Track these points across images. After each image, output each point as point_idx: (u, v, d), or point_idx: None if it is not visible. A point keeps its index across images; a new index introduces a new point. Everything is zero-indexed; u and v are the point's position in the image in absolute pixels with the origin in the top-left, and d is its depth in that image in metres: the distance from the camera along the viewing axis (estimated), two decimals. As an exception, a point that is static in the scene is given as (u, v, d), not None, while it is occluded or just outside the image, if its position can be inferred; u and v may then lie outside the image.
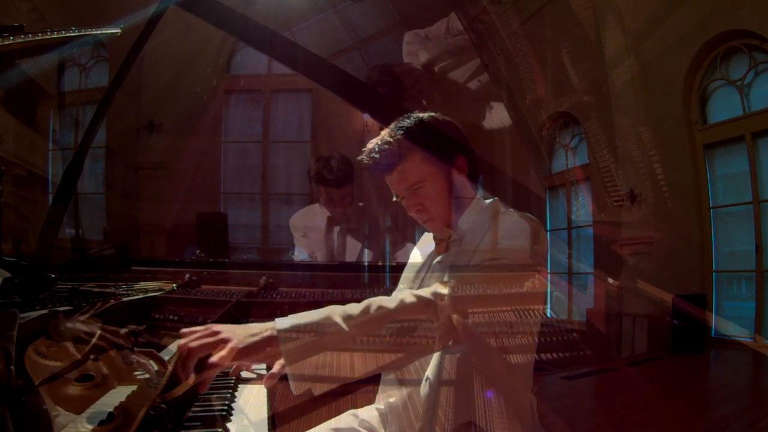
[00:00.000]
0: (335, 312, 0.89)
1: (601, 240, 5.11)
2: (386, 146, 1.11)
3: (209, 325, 0.84)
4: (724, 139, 4.57)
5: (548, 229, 5.50)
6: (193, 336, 0.81)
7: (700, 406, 3.03)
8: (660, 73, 4.76)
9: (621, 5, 4.89)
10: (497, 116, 5.60)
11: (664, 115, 4.78)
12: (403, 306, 0.92)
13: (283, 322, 0.85)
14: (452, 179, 1.12)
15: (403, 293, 0.95)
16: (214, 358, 0.78)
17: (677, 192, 4.73)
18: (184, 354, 0.79)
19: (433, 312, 0.93)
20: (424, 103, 5.58)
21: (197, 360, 0.80)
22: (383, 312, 0.91)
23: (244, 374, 1.14)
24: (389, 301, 0.92)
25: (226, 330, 0.82)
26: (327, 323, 0.87)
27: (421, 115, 1.15)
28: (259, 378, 1.16)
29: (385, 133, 1.13)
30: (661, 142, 4.77)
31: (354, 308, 0.90)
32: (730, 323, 4.37)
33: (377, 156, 1.11)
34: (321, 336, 0.87)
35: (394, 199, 1.16)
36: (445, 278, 1.02)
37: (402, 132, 1.11)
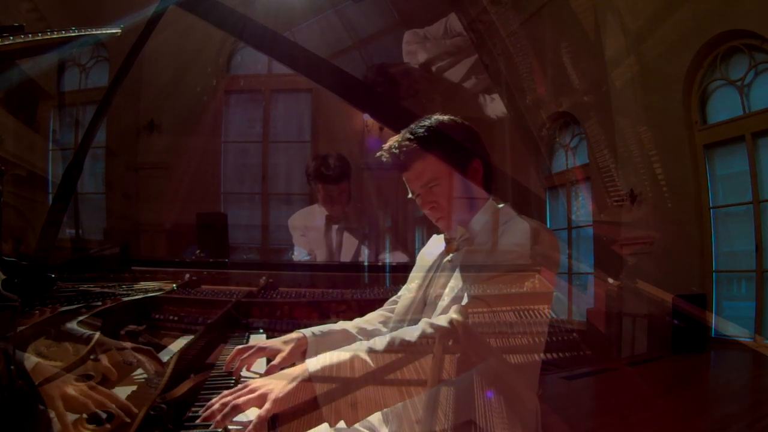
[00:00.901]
0: (361, 349, 0.93)
1: (601, 240, 5.10)
2: (406, 143, 1.14)
3: (247, 383, 0.88)
4: (724, 139, 4.57)
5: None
6: (236, 394, 0.85)
7: (700, 406, 3.03)
8: (660, 73, 4.76)
9: (621, 5, 4.89)
10: (497, 116, 5.59)
11: (664, 115, 4.78)
12: (425, 337, 0.95)
13: (314, 364, 0.90)
14: (467, 181, 1.16)
15: (423, 323, 0.98)
16: (261, 413, 0.82)
17: (677, 192, 4.73)
18: (229, 411, 0.82)
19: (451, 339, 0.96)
20: (423, 101, 5.58)
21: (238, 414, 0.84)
22: (406, 346, 0.95)
23: (244, 374, 1.15)
24: (411, 334, 0.96)
25: (264, 384, 0.87)
26: (354, 361, 0.92)
27: (441, 117, 1.19)
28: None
29: (405, 132, 1.17)
30: (661, 142, 4.77)
31: (379, 343, 0.95)
32: (730, 323, 4.36)
33: (396, 152, 1.14)
34: (350, 373, 0.91)
35: (410, 195, 1.19)
36: (463, 301, 1.04)
37: (422, 131, 1.14)
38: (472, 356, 0.97)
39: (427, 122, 1.17)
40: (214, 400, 0.85)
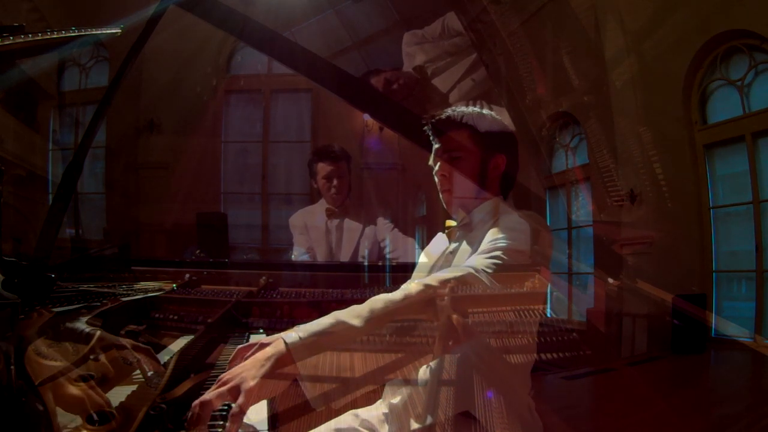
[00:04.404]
0: (341, 314, 0.87)
1: (601, 240, 5.10)
2: (449, 113, 1.22)
3: (220, 376, 0.79)
4: (724, 139, 4.57)
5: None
6: (209, 390, 0.78)
7: (700, 406, 3.03)
8: (660, 73, 4.76)
9: (621, 5, 4.89)
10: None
11: (664, 115, 4.78)
12: (408, 297, 0.91)
13: (290, 336, 0.81)
14: (486, 170, 1.21)
15: (405, 285, 0.96)
16: (235, 408, 0.74)
17: (677, 192, 4.73)
18: (197, 409, 0.75)
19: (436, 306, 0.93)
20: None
21: (211, 411, 0.76)
22: (391, 305, 0.90)
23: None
24: (393, 295, 0.92)
25: (235, 373, 0.78)
26: (337, 325, 0.84)
27: (492, 112, 1.28)
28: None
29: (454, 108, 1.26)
30: (661, 142, 4.77)
31: (360, 307, 0.89)
32: (730, 323, 4.36)
33: (439, 118, 1.22)
34: (333, 337, 0.84)
35: (429, 162, 1.25)
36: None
37: (469, 110, 1.24)
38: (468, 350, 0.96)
39: (477, 108, 1.26)
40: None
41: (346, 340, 0.84)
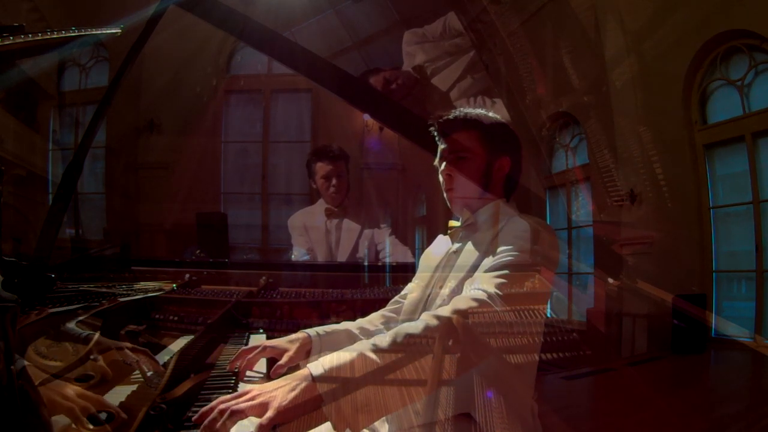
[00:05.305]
0: (365, 348, 0.90)
1: (601, 240, 5.10)
2: (456, 114, 1.23)
3: (247, 389, 0.84)
4: (724, 139, 4.57)
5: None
6: (235, 400, 0.81)
7: (700, 406, 3.03)
8: (660, 73, 4.76)
9: (621, 5, 4.89)
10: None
11: (664, 115, 4.78)
12: (428, 329, 0.94)
13: (316, 367, 0.86)
14: (491, 171, 1.21)
15: (425, 316, 0.97)
16: (263, 421, 0.78)
17: (677, 192, 4.73)
18: (228, 417, 0.78)
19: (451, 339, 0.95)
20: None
21: (236, 422, 0.80)
22: (411, 340, 0.93)
23: (247, 374, 1.15)
24: (415, 327, 0.94)
25: (264, 390, 0.82)
26: (359, 358, 0.89)
27: (497, 115, 1.28)
28: (262, 378, 1.16)
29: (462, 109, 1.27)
30: (661, 142, 4.77)
31: (383, 340, 0.92)
32: (730, 323, 4.36)
33: (447, 118, 1.23)
34: (356, 372, 0.88)
35: (435, 163, 1.26)
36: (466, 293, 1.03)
37: (474, 112, 1.25)
38: (471, 355, 0.97)
39: (483, 109, 1.26)
40: (210, 406, 0.80)
41: (366, 373, 0.89)
